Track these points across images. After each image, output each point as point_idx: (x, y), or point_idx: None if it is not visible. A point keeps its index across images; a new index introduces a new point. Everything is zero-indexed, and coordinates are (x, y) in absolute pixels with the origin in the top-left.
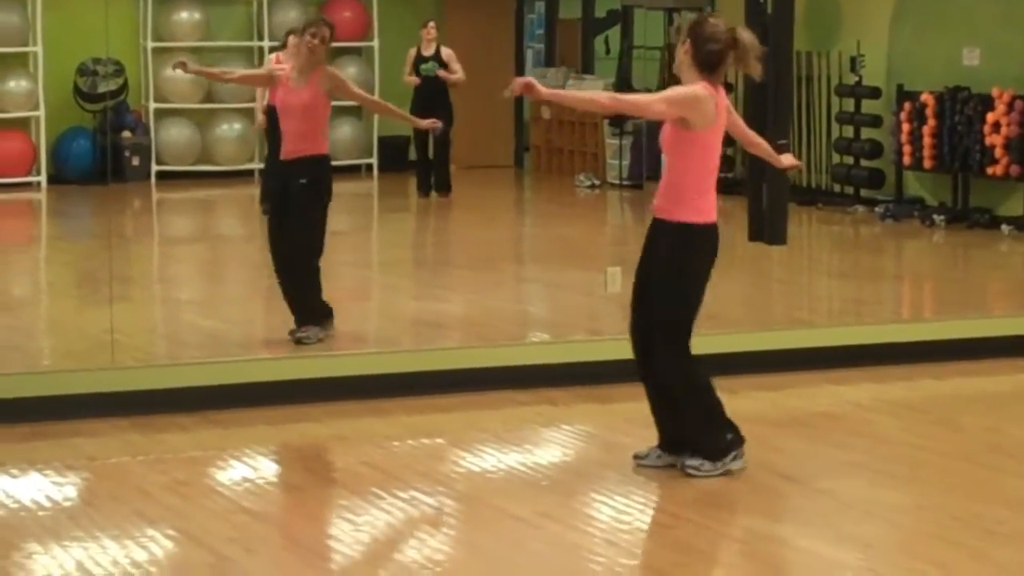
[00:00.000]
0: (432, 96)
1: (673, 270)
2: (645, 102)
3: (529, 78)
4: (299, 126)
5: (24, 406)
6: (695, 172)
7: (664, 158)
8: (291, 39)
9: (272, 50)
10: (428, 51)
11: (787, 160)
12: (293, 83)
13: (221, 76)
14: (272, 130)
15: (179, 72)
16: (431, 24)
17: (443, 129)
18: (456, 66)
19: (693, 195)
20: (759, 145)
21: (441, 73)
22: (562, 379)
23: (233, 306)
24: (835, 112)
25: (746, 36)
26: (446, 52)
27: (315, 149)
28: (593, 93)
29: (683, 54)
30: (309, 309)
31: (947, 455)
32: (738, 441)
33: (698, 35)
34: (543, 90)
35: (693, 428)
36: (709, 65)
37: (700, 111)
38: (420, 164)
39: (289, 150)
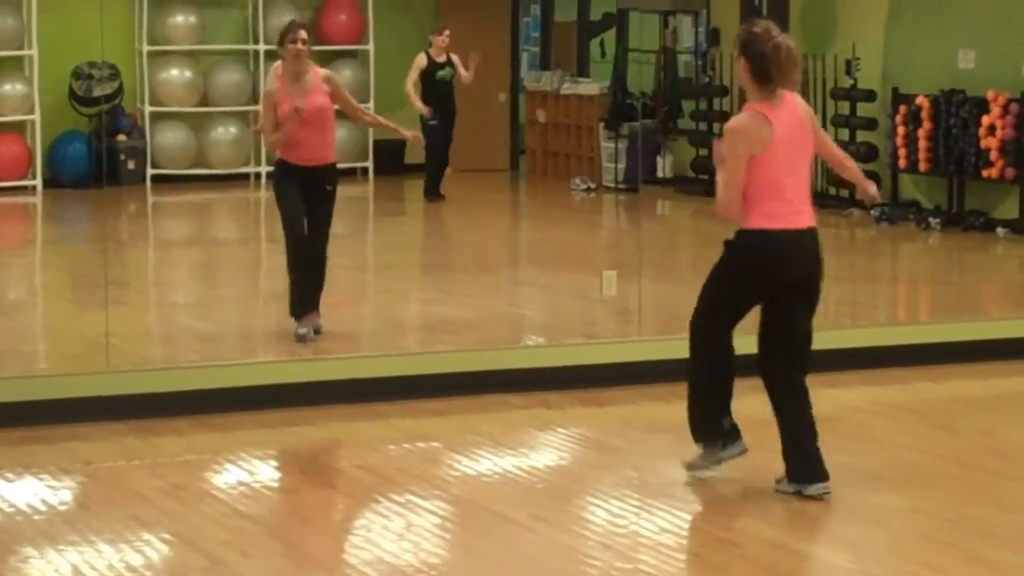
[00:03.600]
0: (446, 100)
1: (718, 271)
2: (723, 184)
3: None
4: (319, 132)
5: (20, 410)
6: (754, 187)
7: None
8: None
9: (267, 55)
10: (441, 57)
11: (871, 189)
12: (294, 91)
13: (281, 140)
14: None
15: None
16: (447, 32)
17: (444, 130)
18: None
19: (752, 205)
20: (849, 168)
21: (464, 75)
22: (558, 383)
23: (228, 309)
24: (830, 115)
25: (783, 44)
26: (456, 58)
27: (333, 156)
28: (721, 201)
29: (740, 70)
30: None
31: (942, 458)
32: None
33: (751, 51)
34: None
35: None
36: (763, 76)
37: (752, 143)
38: (435, 168)
39: (314, 157)
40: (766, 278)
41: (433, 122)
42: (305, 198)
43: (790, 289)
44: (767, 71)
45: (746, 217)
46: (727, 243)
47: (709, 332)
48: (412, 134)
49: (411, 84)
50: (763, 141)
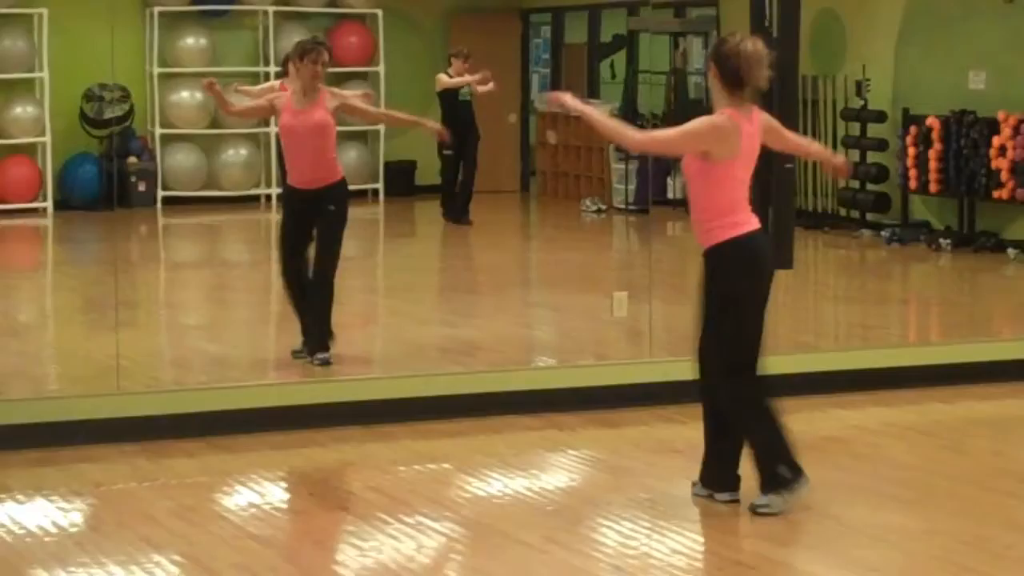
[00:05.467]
0: (467, 120)
1: (717, 294)
2: (666, 138)
3: (564, 94)
4: (313, 149)
5: (30, 432)
6: (717, 203)
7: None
8: (290, 65)
9: (277, 76)
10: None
11: (836, 160)
12: (298, 105)
13: (227, 107)
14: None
15: (204, 88)
16: (469, 58)
17: (470, 152)
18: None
19: (719, 219)
20: (811, 152)
21: (483, 88)
22: (569, 404)
23: (239, 331)
24: (841, 136)
25: (749, 45)
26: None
27: (336, 175)
28: (622, 126)
29: (711, 77)
30: (329, 329)
31: (955, 479)
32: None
33: (719, 54)
34: (574, 104)
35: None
36: (734, 83)
37: (720, 142)
38: (450, 189)
39: (308, 179)
40: (758, 283)
41: (448, 152)
42: (309, 222)
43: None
44: (736, 74)
45: (721, 231)
46: (713, 266)
47: (747, 373)
48: (436, 126)
49: (446, 83)
50: (731, 149)
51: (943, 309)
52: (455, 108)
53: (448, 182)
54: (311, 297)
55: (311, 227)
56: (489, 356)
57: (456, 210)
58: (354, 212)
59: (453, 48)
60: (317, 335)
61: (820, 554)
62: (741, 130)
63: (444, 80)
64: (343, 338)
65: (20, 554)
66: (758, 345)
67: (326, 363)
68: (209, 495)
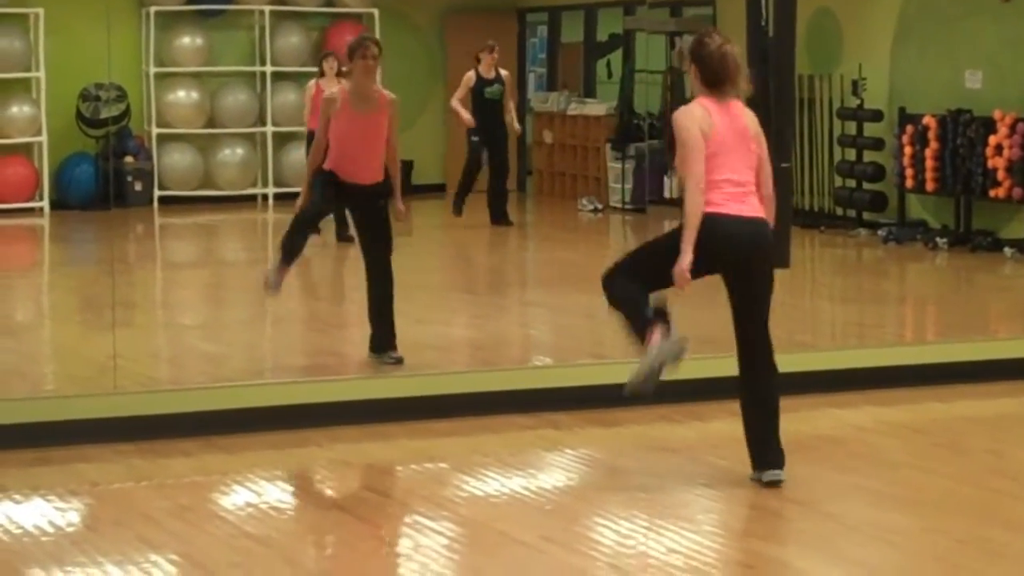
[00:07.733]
0: (495, 118)
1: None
2: (686, 166)
3: (681, 273)
4: (368, 150)
5: (27, 431)
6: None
7: None
8: (328, 64)
9: (273, 76)
10: (490, 74)
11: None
12: (357, 108)
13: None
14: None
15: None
16: (496, 49)
17: (499, 151)
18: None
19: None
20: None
21: (510, 109)
22: (566, 403)
23: (236, 330)
24: (837, 135)
25: (732, 51)
26: (505, 74)
27: (382, 173)
28: (689, 205)
29: (691, 77)
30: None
31: (951, 478)
32: None
33: (697, 54)
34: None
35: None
36: (708, 82)
37: (689, 124)
38: (468, 181)
39: (366, 176)
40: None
41: (475, 138)
42: (356, 221)
43: (732, 270)
44: (713, 74)
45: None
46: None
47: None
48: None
49: (456, 100)
50: (706, 129)
51: (939, 308)
52: (480, 104)
53: (469, 172)
54: (376, 290)
55: (344, 210)
56: (486, 355)
57: (495, 214)
58: None
59: (482, 44)
60: (387, 331)
61: (817, 553)
62: (711, 114)
63: (458, 95)
64: (341, 336)
65: (17, 554)
66: None
67: (399, 362)
68: (206, 495)
